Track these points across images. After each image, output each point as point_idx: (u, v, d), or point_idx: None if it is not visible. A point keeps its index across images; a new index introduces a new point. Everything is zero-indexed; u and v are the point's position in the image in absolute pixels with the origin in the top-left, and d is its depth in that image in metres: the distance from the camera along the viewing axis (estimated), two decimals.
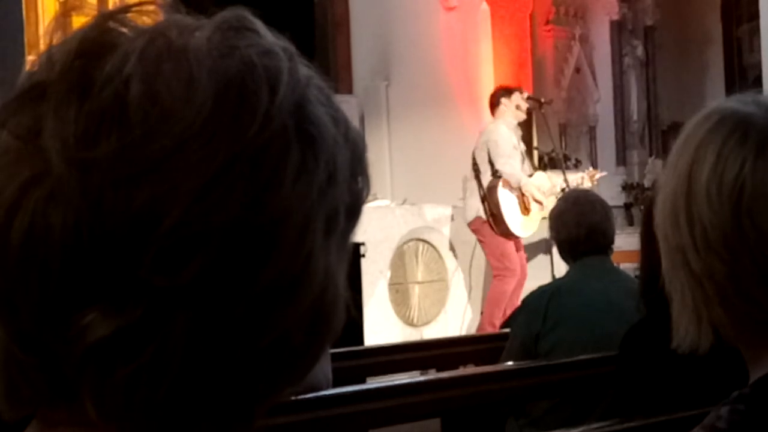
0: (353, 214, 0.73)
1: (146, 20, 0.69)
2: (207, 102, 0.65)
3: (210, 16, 0.71)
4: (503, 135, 7.93)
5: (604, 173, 9.01)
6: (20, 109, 0.67)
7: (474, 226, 8.02)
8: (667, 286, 1.26)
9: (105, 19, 0.68)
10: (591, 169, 8.90)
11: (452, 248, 8.34)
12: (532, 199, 7.88)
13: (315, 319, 0.70)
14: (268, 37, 0.71)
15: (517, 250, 8.00)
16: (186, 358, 0.65)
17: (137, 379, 0.64)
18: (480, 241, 8.08)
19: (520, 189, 7.87)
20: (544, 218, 7.92)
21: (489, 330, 7.69)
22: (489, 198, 7.90)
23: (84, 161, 0.63)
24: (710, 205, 1.17)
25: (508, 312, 7.32)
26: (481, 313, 8.19)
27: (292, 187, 0.67)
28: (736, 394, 1.15)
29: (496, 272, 7.92)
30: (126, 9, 0.69)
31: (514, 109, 8.06)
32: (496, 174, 7.91)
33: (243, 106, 0.66)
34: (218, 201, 0.64)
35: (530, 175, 8.12)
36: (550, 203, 7.94)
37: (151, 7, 0.71)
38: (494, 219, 7.88)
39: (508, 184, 7.89)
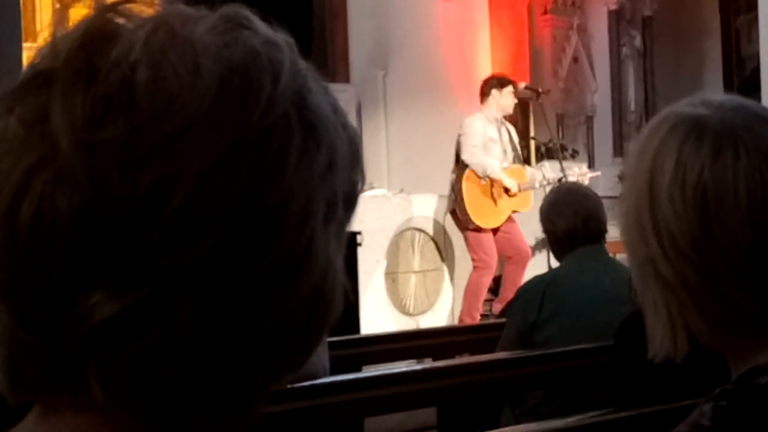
0: (350, 204, 0.75)
1: (147, 11, 0.70)
2: (212, 87, 0.66)
3: (210, 8, 0.72)
4: (474, 128, 7.87)
5: (597, 173, 8.98)
6: (26, 95, 0.67)
7: (453, 217, 8.01)
8: (639, 299, 1.26)
9: (107, 10, 0.69)
10: (584, 168, 8.84)
11: (448, 238, 8.34)
12: (501, 186, 7.81)
13: (317, 304, 0.71)
14: (267, 31, 0.72)
15: (509, 233, 7.94)
16: (191, 338, 0.65)
17: (143, 358, 0.65)
18: (462, 233, 8.06)
19: (489, 178, 7.82)
20: (514, 211, 7.91)
21: (466, 321, 7.69)
22: (455, 188, 7.88)
23: (91, 143, 0.64)
24: (675, 212, 1.17)
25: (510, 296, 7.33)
26: None
27: (295, 170, 0.68)
28: (718, 391, 1.16)
29: (473, 263, 7.91)
30: (127, 0, 0.70)
31: (501, 101, 8.00)
32: (462, 164, 7.87)
33: (247, 92, 0.67)
34: (223, 183, 0.65)
35: (509, 168, 8.04)
36: (525, 197, 7.95)
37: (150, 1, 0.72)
38: (458, 208, 7.84)
39: (474, 175, 7.85)
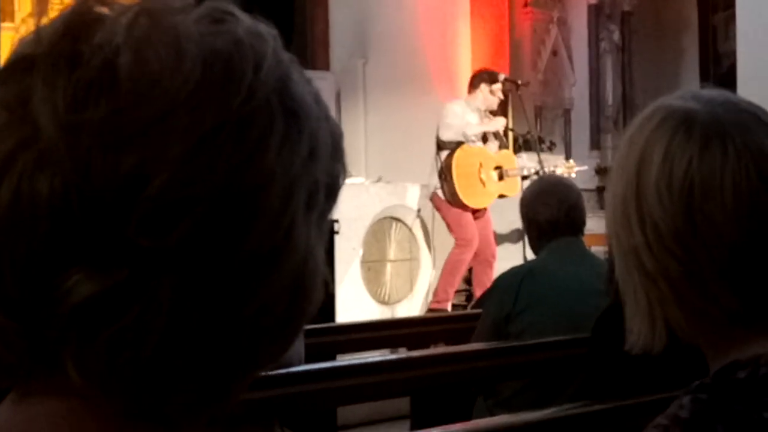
0: (331, 195, 0.75)
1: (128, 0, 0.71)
2: (195, 71, 0.67)
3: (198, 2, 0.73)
4: (453, 110, 7.97)
5: (584, 167, 9.01)
6: (8, 79, 0.68)
7: (434, 202, 8.04)
8: (620, 289, 1.25)
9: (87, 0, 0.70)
10: (571, 161, 8.87)
11: (425, 227, 8.35)
12: (490, 168, 7.85)
13: (296, 291, 0.71)
14: (251, 22, 0.73)
15: (483, 229, 7.99)
16: (170, 321, 0.65)
17: (121, 340, 0.64)
18: (442, 218, 8.09)
19: (478, 160, 7.83)
20: (501, 195, 7.95)
21: (441, 297, 7.81)
22: (444, 163, 7.91)
23: (73, 125, 0.64)
24: (661, 203, 1.17)
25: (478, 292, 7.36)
26: None
27: (277, 155, 0.69)
28: (697, 384, 1.16)
29: (456, 241, 7.96)
30: None
31: (488, 96, 8.05)
32: (450, 147, 7.90)
33: (229, 77, 0.68)
34: (205, 165, 0.65)
35: (498, 153, 8.10)
36: (513, 182, 7.99)
37: None
38: (446, 186, 7.87)
39: (464, 157, 7.87)
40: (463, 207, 7.89)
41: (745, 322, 1.18)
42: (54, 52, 0.67)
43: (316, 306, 0.74)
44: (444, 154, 7.99)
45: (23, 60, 0.68)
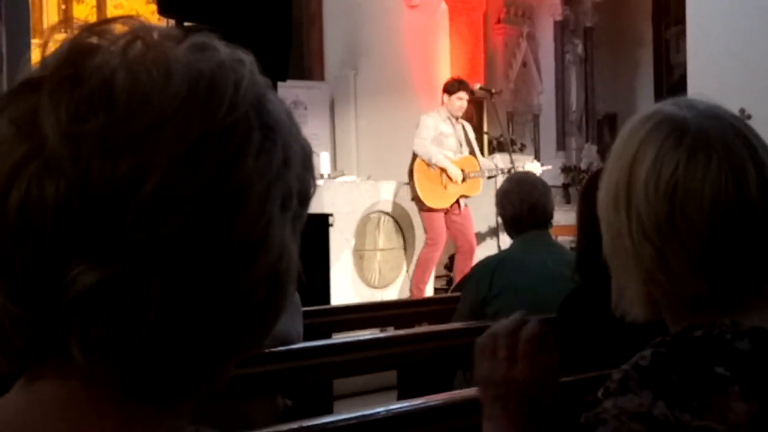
0: (304, 201, 0.77)
1: (122, 29, 0.72)
2: (182, 89, 0.68)
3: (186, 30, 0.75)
4: (425, 123, 7.93)
5: (548, 167, 8.98)
6: (17, 99, 0.69)
7: (414, 200, 8.04)
8: (608, 262, 1.28)
9: (87, 30, 0.72)
10: (536, 164, 8.78)
11: (409, 220, 8.34)
12: (444, 172, 7.84)
13: (273, 281, 0.72)
14: (231, 51, 0.75)
15: (462, 224, 7.97)
16: (162, 305, 0.66)
17: (119, 322, 0.66)
18: (420, 215, 8.09)
19: (435, 166, 7.84)
20: (463, 195, 7.93)
21: (415, 293, 7.80)
22: (409, 168, 7.92)
23: (76, 135, 0.65)
24: (647, 198, 1.19)
25: (458, 278, 7.35)
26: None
27: (255, 162, 0.70)
28: (659, 340, 1.19)
29: (426, 241, 7.96)
30: (104, 22, 0.72)
31: (448, 105, 8.02)
32: (414, 154, 7.93)
33: (212, 94, 0.70)
34: (192, 169, 0.67)
35: (462, 158, 8.04)
36: (474, 183, 7.96)
37: (124, 22, 0.73)
38: (411, 191, 7.89)
39: (424, 163, 7.87)
40: (430, 208, 7.88)
41: (709, 304, 1.20)
42: (57, 74, 0.68)
43: (290, 294, 0.76)
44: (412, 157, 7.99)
45: (31, 82, 0.69)
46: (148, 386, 0.70)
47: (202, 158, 0.67)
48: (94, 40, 0.71)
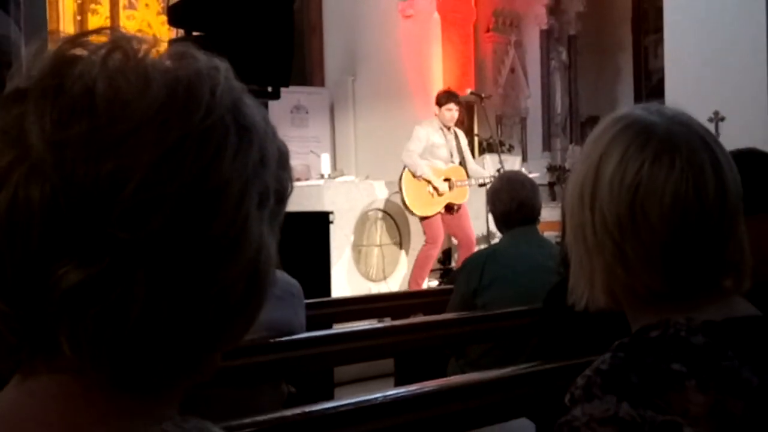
0: (281, 199, 0.76)
1: (102, 39, 0.72)
2: (160, 95, 0.68)
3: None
4: (417, 135, 7.86)
5: (537, 174, 8.97)
6: (3, 108, 0.68)
7: None
8: (569, 253, 1.27)
9: (68, 42, 0.71)
10: (523, 169, 8.74)
11: (405, 217, 8.34)
12: (430, 185, 7.80)
13: (252, 275, 0.72)
14: (208, 59, 0.74)
15: (461, 222, 7.96)
16: (147, 300, 0.66)
17: (106, 317, 0.65)
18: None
19: (421, 177, 7.78)
20: (451, 203, 7.88)
21: (413, 288, 7.76)
22: (399, 177, 7.87)
23: (59, 141, 0.65)
24: (611, 195, 1.19)
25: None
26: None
27: (232, 162, 0.69)
28: (617, 343, 1.18)
29: (425, 240, 7.94)
30: (84, 34, 0.72)
31: (439, 115, 7.96)
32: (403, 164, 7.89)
33: (190, 99, 0.69)
34: (171, 171, 0.66)
35: (451, 167, 7.99)
36: (461, 191, 7.92)
37: (105, 33, 0.73)
38: (400, 194, 7.86)
39: (412, 174, 7.84)
40: (415, 214, 7.85)
41: (664, 298, 1.20)
42: (41, 84, 0.68)
43: (270, 288, 0.75)
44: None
45: (16, 92, 0.68)
46: (135, 377, 0.69)
47: (181, 160, 0.66)
48: (77, 51, 0.70)
